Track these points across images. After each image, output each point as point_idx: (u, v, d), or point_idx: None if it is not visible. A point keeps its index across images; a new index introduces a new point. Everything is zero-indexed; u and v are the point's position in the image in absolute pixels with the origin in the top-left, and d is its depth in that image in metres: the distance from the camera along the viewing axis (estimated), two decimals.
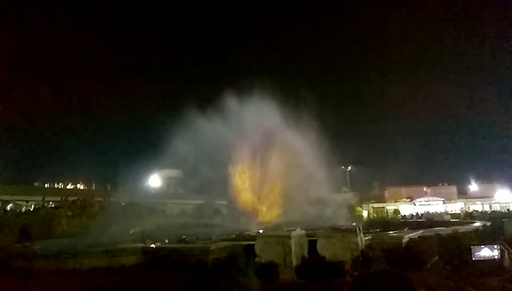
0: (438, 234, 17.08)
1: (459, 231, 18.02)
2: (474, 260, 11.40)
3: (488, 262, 10.98)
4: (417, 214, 46.68)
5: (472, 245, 11.96)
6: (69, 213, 34.59)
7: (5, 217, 33.61)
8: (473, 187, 58.06)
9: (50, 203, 41.20)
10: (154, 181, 49.82)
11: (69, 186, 54.88)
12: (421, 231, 18.44)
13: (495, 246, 11.68)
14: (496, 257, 11.28)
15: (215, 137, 32.78)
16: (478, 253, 11.51)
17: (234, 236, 21.32)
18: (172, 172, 49.61)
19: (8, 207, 40.13)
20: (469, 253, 11.59)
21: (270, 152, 33.33)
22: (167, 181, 50.45)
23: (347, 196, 40.56)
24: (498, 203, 50.95)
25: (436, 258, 13.73)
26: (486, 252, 11.54)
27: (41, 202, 41.04)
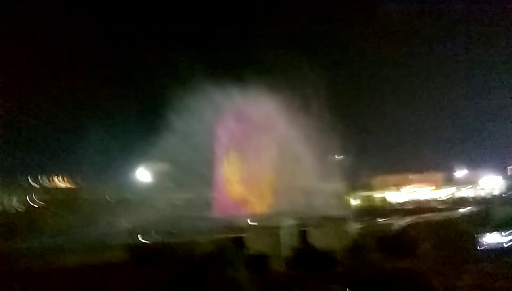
0: (427, 221, 17.22)
1: (449, 217, 18.20)
2: (479, 248, 11.01)
3: (496, 250, 10.31)
4: (405, 201, 47.12)
5: (476, 232, 11.69)
6: (57, 211, 34.04)
7: None
8: (460, 173, 58.67)
9: (39, 201, 40.50)
10: (142, 175, 49.21)
11: (55, 182, 53.92)
12: (410, 218, 18.57)
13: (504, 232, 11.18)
14: (506, 243, 10.61)
15: (201, 128, 32.45)
16: (483, 240, 11.12)
17: (223, 228, 21.14)
18: (160, 166, 49.06)
19: None
20: (468, 239, 11.43)
21: (259, 141, 33.14)
22: (155, 175, 49.88)
23: (336, 186, 40.57)
24: (484, 188, 51.65)
25: (426, 243, 13.77)
26: (493, 239, 11.03)
27: (27, 200, 40.32)
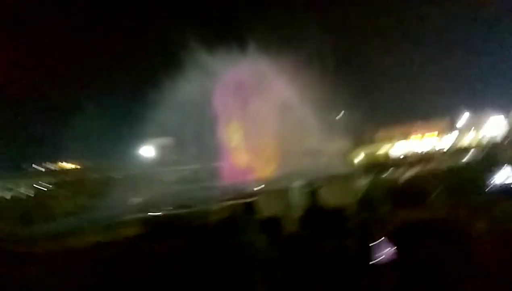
0: (436, 168, 17.20)
1: (457, 163, 18.15)
2: (487, 190, 10.92)
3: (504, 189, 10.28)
4: (410, 152, 47.12)
5: (484, 176, 11.54)
6: (67, 193, 34.49)
7: (5, 205, 33.52)
8: (466, 116, 58.12)
9: (48, 185, 41.00)
10: (147, 151, 49.40)
11: (64, 165, 54.41)
12: (419, 166, 18.56)
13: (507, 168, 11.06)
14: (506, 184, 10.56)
15: (201, 96, 32.16)
16: (490, 181, 10.96)
17: (233, 195, 21.32)
18: (164, 140, 49.14)
19: (8, 195, 39.84)
20: (477, 182, 11.29)
21: (261, 106, 32.88)
22: (160, 149, 50.04)
23: (341, 143, 40.54)
24: (491, 130, 51.26)
25: (437, 190, 13.75)
26: (500, 178, 10.91)
27: (39, 185, 40.85)
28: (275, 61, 31.29)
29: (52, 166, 52.57)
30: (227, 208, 13.43)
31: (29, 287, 8.55)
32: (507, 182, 11.08)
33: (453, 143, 48.30)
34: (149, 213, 17.83)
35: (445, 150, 42.52)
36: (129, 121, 35.31)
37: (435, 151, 43.59)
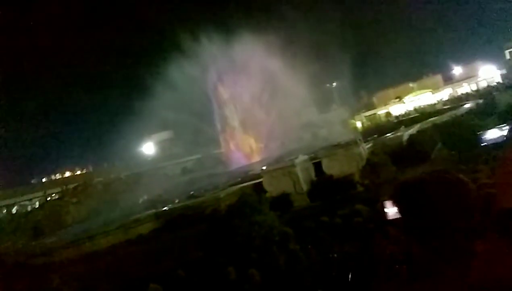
0: (435, 124, 17.24)
1: (455, 115, 18.18)
2: (483, 145, 10.95)
3: (498, 144, 10.34)
4: (410, 111, 47.04)
5: (477, 131, 11.51)
6: (74, 200, 34.64)
7: (14, 219, 33.69)
8: (457, 70, 57.88)
9: (53, 195, 41.15)
10: (148, 147, 49.43)
11: (66, 174, 54.55)
12: (418, 125, 18.60)
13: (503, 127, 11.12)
14: (504, 135, 10.59)
15: (194, 84, 31.96)
16: (485, 137, 11.02)
17: (240, 179, 21.48)
18: (164, 134, 49.10)
19: (14, 210, 40.06)
20: (474, 135, 11.31)
21: (255, 86, 32.68)
22: (161, 144, 50.05)
23: (338, 113, 40.49)
24: (484, 80, 51.06)
25: (439, 146, 13.88)
26: (494, 134, 10.96)
27: (44, 197, 41.01)
28: (267, 37, 30.98)
29: (57, 176, 52.80)
30: (235, 192, 13.58)
31: None
32: (501, 134, 11.07)
33: (448, 98, 48.13)
34: (160, 208, 18.00)
35: (444, 103, 42.38)
36: (127, 121, 35.14)
37: (434, 105, 43.44)
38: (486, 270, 1.07)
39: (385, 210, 2.08)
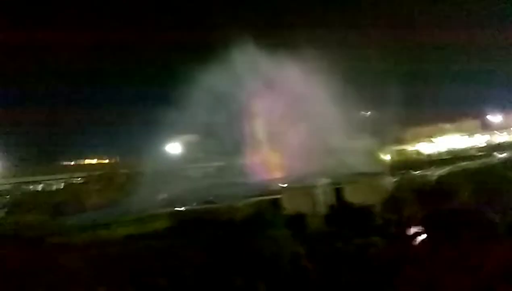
0: (463, 169, 16.78)
1: (486, 163, 17.65)
2: None
3: None
4: (440, 151, 45.93)
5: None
6: (97, 187, 35.51)
7: (37, 196, 34.84)
8: (494, 117, 56.23)
9: (78, 179, 42.32)
10: (174, 147, 50.22)
11: (93, 161, 56.05)
12: (449, 167, 18.15)
13: None
14: None
15: (227, 95, 32.44)
16: None
17: (259, 192, 21.46)
18: (190, 137, 49.84)
19: (39, 187, 41.41)
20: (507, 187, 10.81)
21: (287, 104, 32.84)
22: (186, 146, 50.76)
23: (368, 142, 40.00)
24: None
25: (465, 192, 13.46)
26: None
27: (69, 179, 42.27)
28: (302, 58, 31.20)
29: (82, 161, 54.31)
30: (253, 205, 13.60)
31: (66, 274, 8.97)
32: None
33: (484, 143, 46.78)
34: (176, 208, 18.22)
35: (476, 150, 41.28)
36: (157, 118, 35.94)
37: (466, 150, 42.35)
38: None
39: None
